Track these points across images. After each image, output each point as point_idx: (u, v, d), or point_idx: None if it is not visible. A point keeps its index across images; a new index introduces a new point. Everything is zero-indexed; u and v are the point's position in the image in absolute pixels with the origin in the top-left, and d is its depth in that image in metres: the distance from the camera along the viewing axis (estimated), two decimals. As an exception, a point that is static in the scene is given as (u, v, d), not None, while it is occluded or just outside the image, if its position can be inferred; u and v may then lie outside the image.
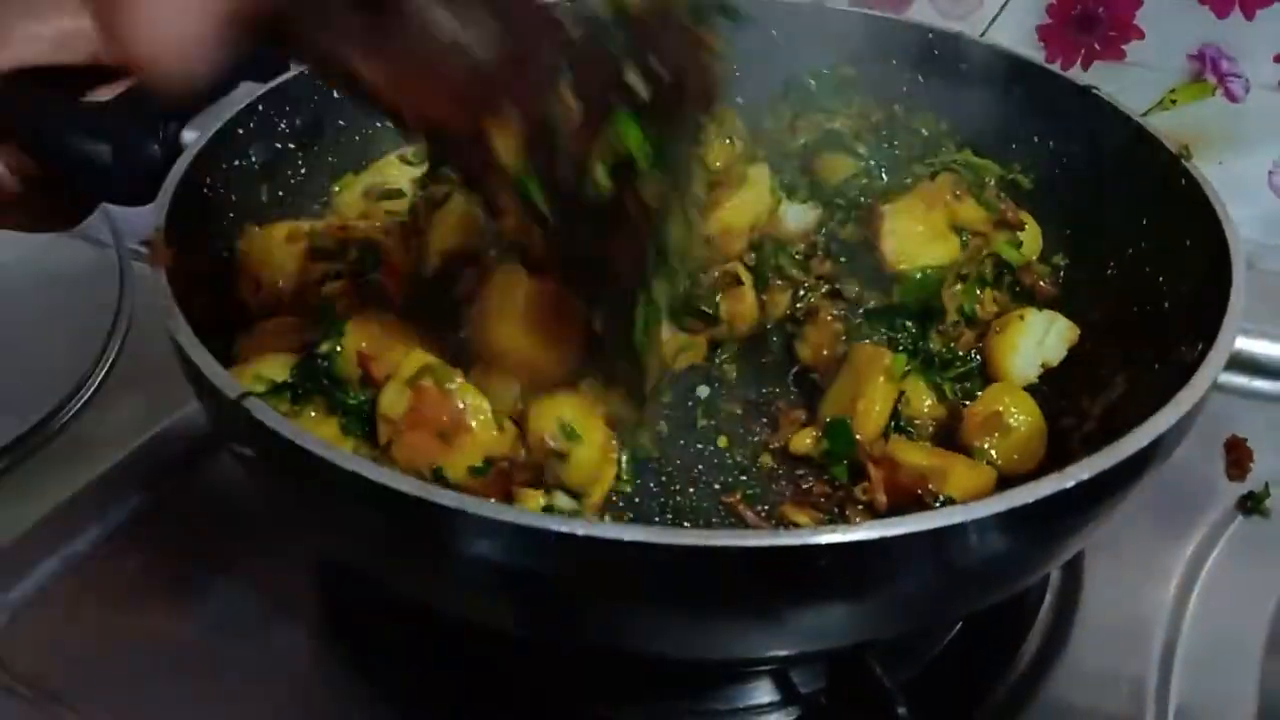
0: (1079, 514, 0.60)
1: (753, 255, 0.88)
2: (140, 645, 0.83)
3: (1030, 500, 0.55)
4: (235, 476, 0.90)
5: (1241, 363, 0.69)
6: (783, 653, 0.67)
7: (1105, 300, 0.87)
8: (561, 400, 0.68)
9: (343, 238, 0.79)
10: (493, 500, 0.65)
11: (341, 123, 0.98)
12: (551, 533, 0.51)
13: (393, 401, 0.67)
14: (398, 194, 0.91)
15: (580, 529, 0.51)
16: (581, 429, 0.67)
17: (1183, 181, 0.80)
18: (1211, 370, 0.63)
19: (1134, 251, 0.86)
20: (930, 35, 1.01)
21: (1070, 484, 0.55)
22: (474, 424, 0.66)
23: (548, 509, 0.67)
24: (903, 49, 1.02)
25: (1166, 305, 0.80)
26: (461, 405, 0.66)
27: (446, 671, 0.78)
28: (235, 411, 0.60)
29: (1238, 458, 0.94)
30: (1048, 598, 0.85)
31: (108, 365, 1.10)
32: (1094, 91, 0.91)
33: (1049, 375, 0.85)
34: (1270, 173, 1.04)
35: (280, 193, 0.93)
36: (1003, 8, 1.08)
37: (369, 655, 0.81)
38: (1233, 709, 0.78)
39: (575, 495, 0.68)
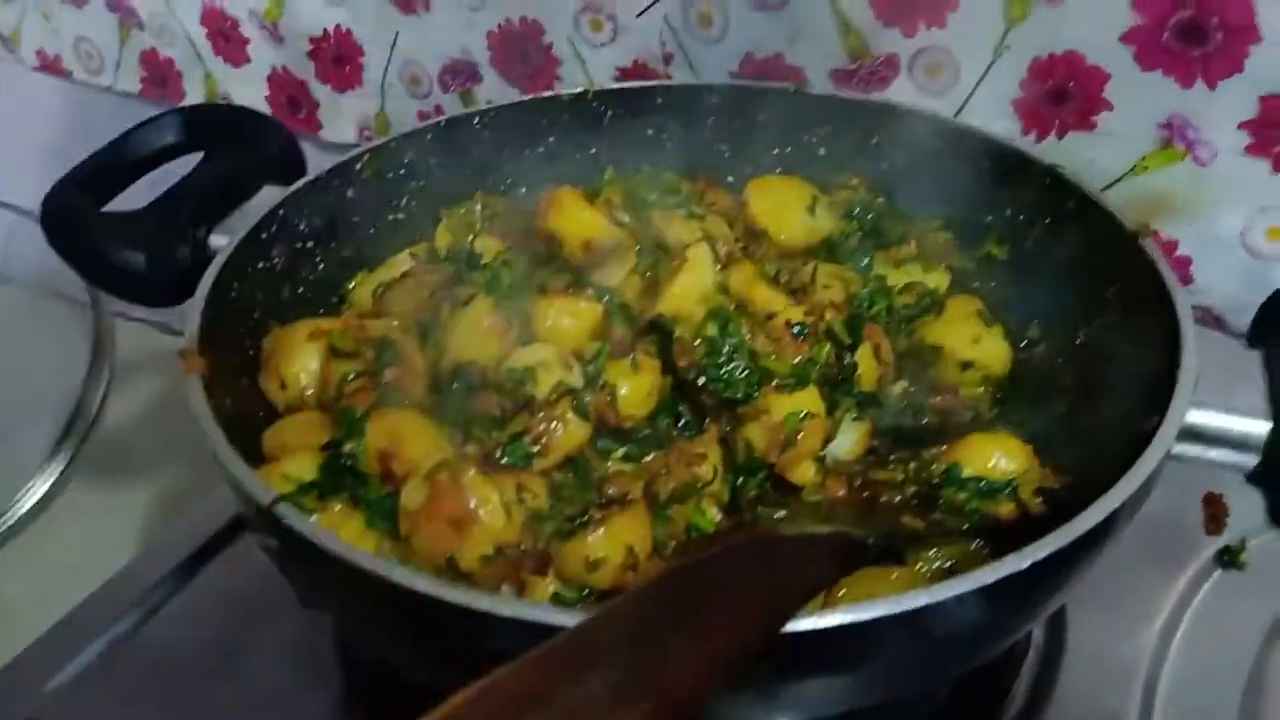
0: (1040, 588, 0.65)
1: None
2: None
3: (991, 580, 0.60)
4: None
5: (1208, 436, 0.74)
6: None
7: (1076, 366, 0.92)
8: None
9: (360, 337, 0.85)
10: (504, 589, 0.72)
11: (356, 219, 1.05)
12: (542, 625, 0.57)
13: (412, 495, 0.73)
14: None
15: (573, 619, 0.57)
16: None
17: (1139, 260, 0.85)
18: (1161, 446, 0.69)
19: (1100, 321, 0.91)
20: (907, 115, 1.07)
21: (1026, 564, 0.61)
22: (483, 514, 0.71)
23: (555, 596, 0.73)
24: (881, 130, 1.09)
25: (1130, 375, 0.85)
26: (472, 497, 0.71)
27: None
28: (268, 516, 0.66)
29: (1214, 513, 0.98)
30: (1031, 653, 0.90)
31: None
32: (1059, 170, 0.96)
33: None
34: (1241, 233, 1.09)
35: (300, 289, 0.99)
36: (978, 83, 1.14)
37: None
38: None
39: (581, 588, 0.73)
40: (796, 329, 0.86)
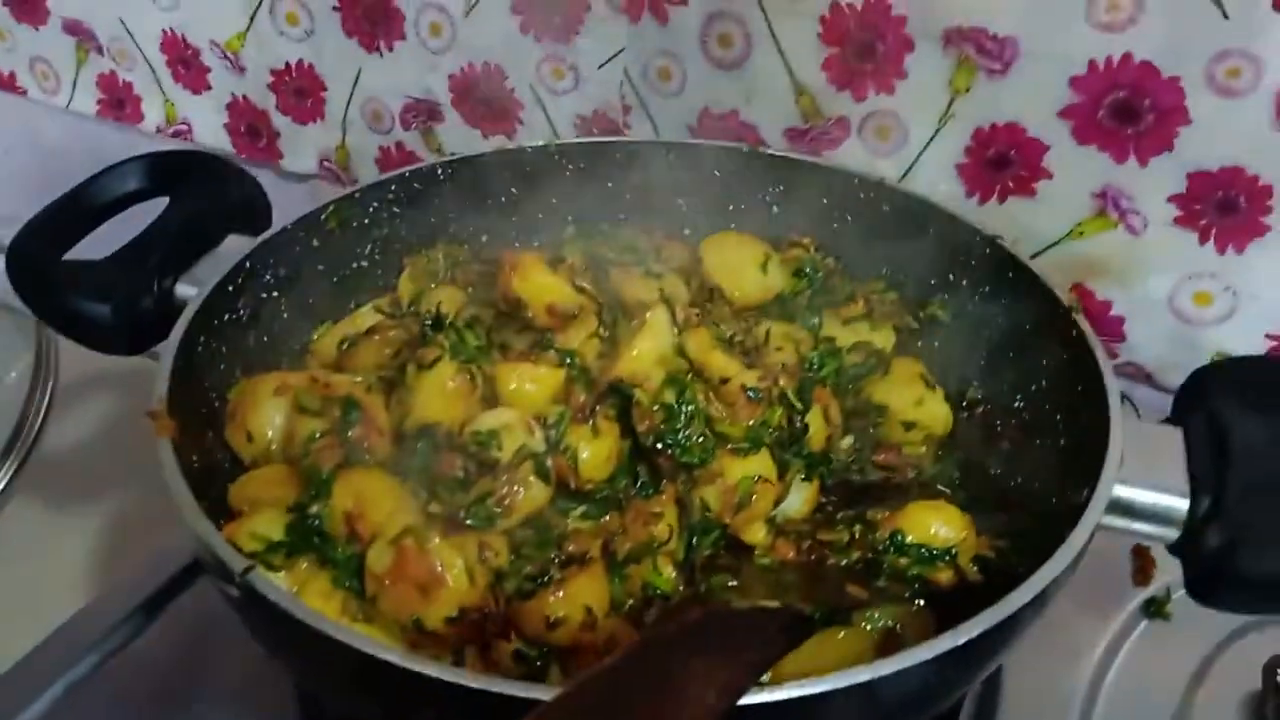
0: (977, 656, 0.69)
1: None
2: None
3: (930, 655, 0.64)
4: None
5: (1133, 510, 0.79)
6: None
7: (1013, 431, 0.97)
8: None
9: (326, 395, 0.87)
10: (467, 650, 0.75)
11: (320, 268, 1.07)
12: (495, 695, 0.60)
13: (378, 559, 0.75)
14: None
15: (534, 693, 0.60)
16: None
17: (1073, 333, 0.90)
18: (1089, 524, 0.73)
19: (1036, 389, 0.96)
20: (858, 181, 1.12)
21: (963, 640, 0.65)
22: (449, 579, 0.74)
23: (517, 653, 0.76)
24: (832, 192, 1.13)
25: (1062, 443, 0.90)
26: (438, 562, 0.74)
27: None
28: (240, 583, 0.68)
29: (1142, 565, 1.04)
30: (967, 701, 0.95)
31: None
32: (999, 241, 1.01)
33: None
34: (1170, 298, 1.15)
35: (264, 338, 1.01)
36: (925, 147, 1.19)
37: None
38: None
39: (541, 646, 0.76)
40: (751, 393, 0.90)
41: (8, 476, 1.21)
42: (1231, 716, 0.93)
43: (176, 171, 1.08)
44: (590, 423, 0.85)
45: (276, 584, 0.68)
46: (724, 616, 0.65)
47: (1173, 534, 0.78)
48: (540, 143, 1.17)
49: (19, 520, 1.20)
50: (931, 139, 1.18)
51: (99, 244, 1.02)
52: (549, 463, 0.83)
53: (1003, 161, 1.16)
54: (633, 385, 0.90)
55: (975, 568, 0.82)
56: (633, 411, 0.87)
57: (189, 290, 0.98)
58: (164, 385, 0.84)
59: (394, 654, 0.62)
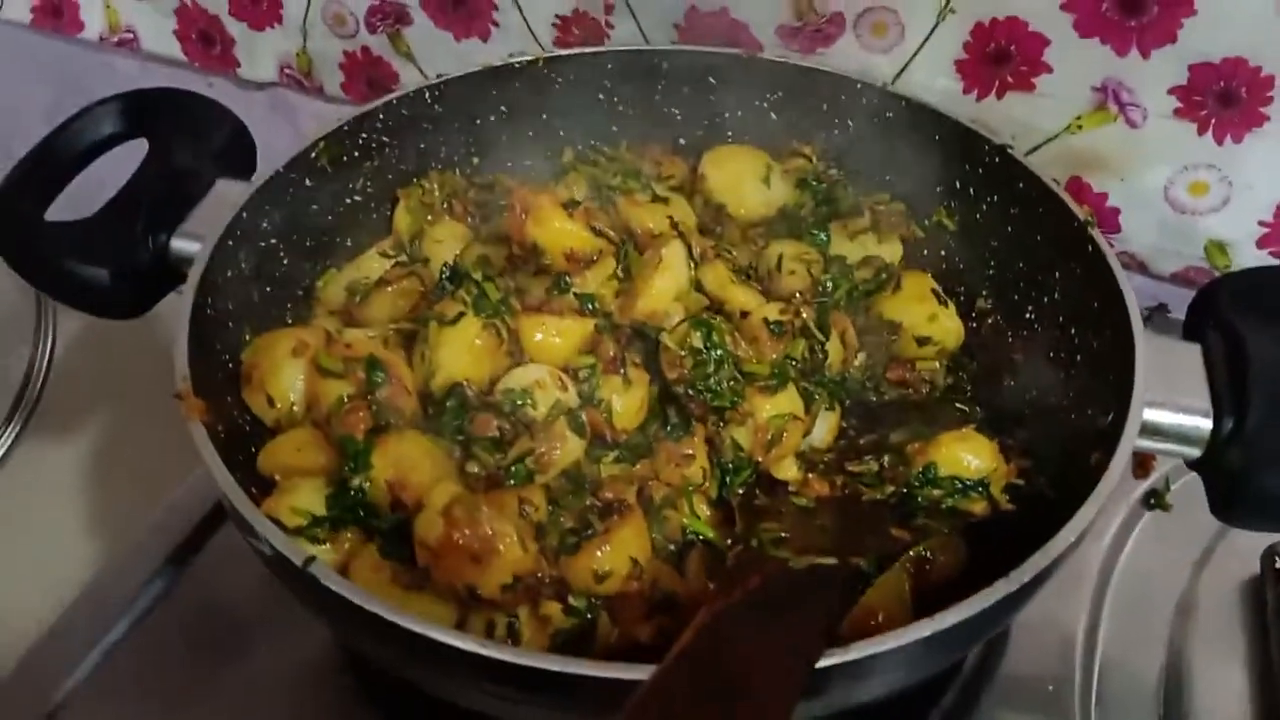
0: (1026, 597, 0.71)
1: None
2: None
3: (986, 605, 0.67)
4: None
5: (1150, 429, 0.80)
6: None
7: (1028, 344, 0.98)
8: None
9: (347, 355, 0.86)
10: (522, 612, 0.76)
11: (315, 208, 1.04)
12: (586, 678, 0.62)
13: (428, 529, 0.75)
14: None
15: (578, 669, 0.62)
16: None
17: (1089, 249, 0.91)
18: (1123, 455, 0.75)
19: (1049, 301, 0.97)
20: (859, 87, 1.09)
21: (1015, 586, 0.68)
22: (502, 546, 0.75)
23: (568, 608, 0.78)
24: (832, 99, 1.11)
25: (1078, 358, 0.92)
26: (490, 531, 0.75)
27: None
28: (300, 575, 0.69)
29: (1141, 459, 1.07)
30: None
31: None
32: (1009, 151, 1.00)
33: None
34: (1166, 188, 1.15)
35: (268, 289, 0.99)
36: (923, 44, 1.16)
37: None
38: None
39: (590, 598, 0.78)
40: (774, 327, 0.90)
41: (15, 431, 1.18)
42: (1234, 600, 0.99)
43: (153, 112, 1.02)
44: (622, 373, 0.85)
45: (341, 579, 0.68)
46: (784, 580, 0.67)
47: (1195, 452, 0.81)
48: (528, 57, 1.12)
49: (26, 474, 1.18)
50: (929, 34, 1.15)
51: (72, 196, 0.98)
52: (583, 417, 0.83)
53: (1002, 56, 1.14)
54: (653, 325, 0.90)
55: (1006, 497, 0.84)
56: (661, 358, 0.87)
57: (186, 245, 0.95)
58: (183, 361, 0.82)
59: (493, 647, 0.63)
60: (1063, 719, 0.91)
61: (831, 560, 0.68)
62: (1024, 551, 0.76)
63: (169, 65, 1.60)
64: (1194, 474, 0.85)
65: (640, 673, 0.60)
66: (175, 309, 0.87)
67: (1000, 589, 0.67)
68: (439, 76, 1.10)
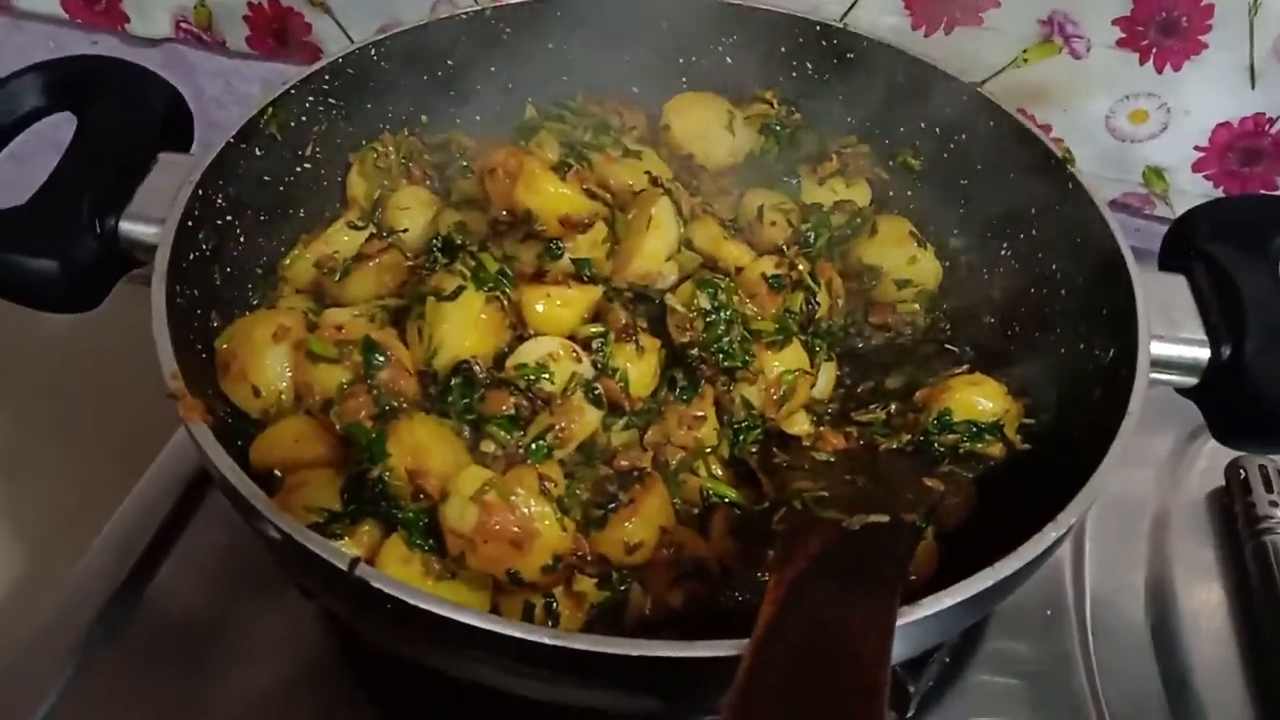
0: (1063, 541, 0.73)
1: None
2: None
3: (1035, 555, 0.68)
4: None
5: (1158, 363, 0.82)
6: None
7: (1006, 281, 1.00)
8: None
9: (340, 339, 0.81)
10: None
11: (266, 178, 0.97)
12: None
13: (460, 517, 0.72)
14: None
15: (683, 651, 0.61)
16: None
17: (1069, 186, 0.92)
18: (1139, 393, 0.77)
19: (1025, 238, 0.99)
20: (818, 28, 1.08)
21: (1060, 531, 0.69)
22: (541, 529, 0.72)
23: (602, 580, 0.76)
24: (786, 41, 1.09)
25: (1063, 293, 0.93)
26: (528, 512, 0.72)
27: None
28: (344, 579, 0.65)
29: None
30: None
31: None
32: (979, 90, 1.00)
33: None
34: (1107, 117, 1.18)
35: (229, 269, 0.92)
36: (871, -19, 1.15)
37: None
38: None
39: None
40: (773, 281, 0.89)
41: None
42: (1202, 512, 1.04)
43: (79, 83, 0.94)
44: (634, 340, 0.83)
45: (394, 580, 0.64)
46: (845, 542, 0.67)
47: (1191, 381, 0.84)
48: (475, 7, 1.07)
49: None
50: (879, -28, 1.15)
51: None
52: (598, 388, 0.81)
53: (951, -8, 1.15)
54: (647, 285, 0.88)
55: (1020, 437, 0.86)
56: (669, 321, 0.85)
57: (137, 228, 0.88)
58: (169, 357, 0.76)
59: (572, 638, 0.61)
60: (1061, 640, 0.95)
61: (885, 518, 0.69)
62: (1027, 488, 0.79)
63: (45, 23, 1.46)
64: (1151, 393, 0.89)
65: (731, 649, 0.59)
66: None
67: (1050, 533, 0.69)
68: (381, 32, 1.04)
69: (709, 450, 0.85)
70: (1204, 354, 0.83)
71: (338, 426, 0.78)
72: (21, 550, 1.08)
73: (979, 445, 0.84)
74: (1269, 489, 0.98)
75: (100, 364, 1.04)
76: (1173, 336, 0.83)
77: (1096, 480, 0.72)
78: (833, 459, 0.84)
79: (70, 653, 0.92)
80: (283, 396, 0.83)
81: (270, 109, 0.96)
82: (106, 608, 0.95)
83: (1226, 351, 0.82)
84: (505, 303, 0.83)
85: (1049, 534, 0.69)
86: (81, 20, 1.45)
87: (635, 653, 0.61)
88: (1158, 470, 1.08)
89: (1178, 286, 0.87)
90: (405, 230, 0.94)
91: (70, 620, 0.94)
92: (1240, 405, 0.81)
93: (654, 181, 0.94)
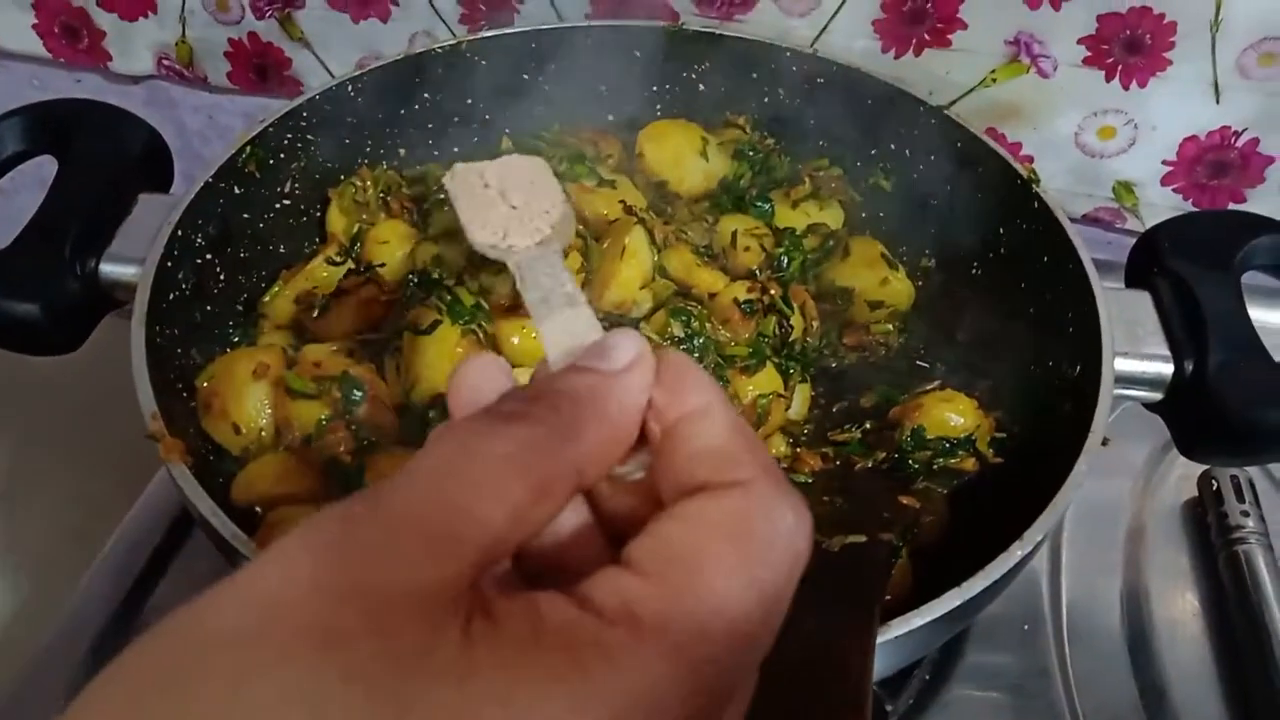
0: (1037, 550, 0.74)
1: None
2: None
3: (1009, 567, 0.69)
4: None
5: (1123, 379, 0.84)
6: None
7: (977, 300, 1.01)
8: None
9: (317, 375, 0.82)
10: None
11: (246, 215, 0.99)
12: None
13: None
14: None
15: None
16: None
17: (1035, 205, 0.94)
18: (1104, 408, 0.79)
19: (994, 256, 1.00)
20: (788, 54, 1.09)
21: (1034, 543, 0.71)
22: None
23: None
24: (758, 67, 1.11)
25: (1031, 311, 0.95)
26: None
27: None
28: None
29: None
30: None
31: None
32: (945, 112, 1.02)
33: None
34: (1076, 133, 1.20)
35: (209, 307, 0.94)
36: (841, 6, 1.17)
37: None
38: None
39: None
40: (745, 306, 0.90)
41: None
42: (1176, 523, 1.05)
43: (60, 126, 0.95)
44: (608, 370, 0.84)
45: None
46: (826, 564, 0.68)
47: (1156, 396, 0.85)
48: (451, 41, 1.08)
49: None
50: (847, -3, 1.17)
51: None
52: (574, 417, 0.82)
53: (919, 15, 1.16)
54: (622, 314, 0.89)
55: (992, 451, 0.87)
56: None
57: (116, 269, 0.89)
58: (149, 397, 0.77)
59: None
60: (1039, 652, 0.96)
61: (862, 538, 0.70)
62: (1000, 503, 0.80)
63: (28, 63, 1.48)
64: (1123, 407, 0.90)
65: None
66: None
67: (1016, 551, 0.70)
68: (358, 69, 1.06)
69: (685, 476, 0.86)
70: (1168, 369, 0.84)
71: (316, 460, 0.79)
72: (13, 583, 1.09)
73: (952, 460, 0.86)
74: (1240, 499, 0.99)
75: (89, 391, 1.04)
76: (1137, 352, 0.85)
77: (1061, 498, 0.73)
78: (810, 480, 0.85)
79: (64, 686, 0.92)
80: (263, 433, 0.84)
81: (249, 148, 0.97)
82: (99, 640, 0.96)
83: (1190, 366, 0.83)
84: (481, 335, 0.84)
85: (1015, 552, 0.70)
86: (65, 59, 1.46)
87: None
88: (1134, 480, 1.09)
89: (1142, 303, 0.88)
90: (383, 265, 0.95)
91: (63, 654, 0.95)
92: (1203, 420, 0.82)
93: (628, 210, 0.96)
